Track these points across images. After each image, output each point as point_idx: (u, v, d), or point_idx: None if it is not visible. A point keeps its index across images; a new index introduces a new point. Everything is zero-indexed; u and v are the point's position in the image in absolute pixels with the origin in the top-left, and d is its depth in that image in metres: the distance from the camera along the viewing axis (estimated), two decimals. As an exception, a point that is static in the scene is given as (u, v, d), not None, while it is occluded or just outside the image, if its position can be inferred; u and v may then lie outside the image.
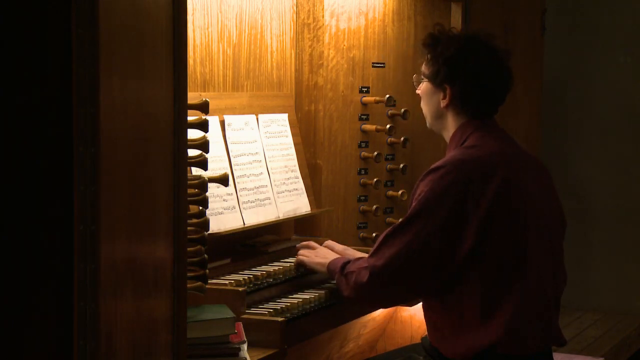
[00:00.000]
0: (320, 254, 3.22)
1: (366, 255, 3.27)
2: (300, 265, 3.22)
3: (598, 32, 5.61)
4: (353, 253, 3.29)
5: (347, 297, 3.01)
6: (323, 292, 3.13)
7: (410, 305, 3.44)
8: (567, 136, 5.69)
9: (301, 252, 3.26)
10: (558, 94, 5.63)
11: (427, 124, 3.16)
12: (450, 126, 3.06)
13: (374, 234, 3.87)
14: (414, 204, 2.89)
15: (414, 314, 3.61)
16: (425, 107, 3.13)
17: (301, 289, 3.17)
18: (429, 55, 3.06)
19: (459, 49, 3.00)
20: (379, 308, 3.36)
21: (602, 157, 5.62)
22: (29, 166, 1.92)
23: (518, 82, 4.42)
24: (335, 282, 3.07)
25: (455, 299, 2.87)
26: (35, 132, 1.92)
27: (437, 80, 3.03)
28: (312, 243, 3.34)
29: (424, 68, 3.09)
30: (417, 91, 3.15)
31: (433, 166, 2.91)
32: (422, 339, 3.08)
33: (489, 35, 3.06)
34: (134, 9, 2.02)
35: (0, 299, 1.94)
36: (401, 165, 3.96)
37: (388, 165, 3.97)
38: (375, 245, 2.94)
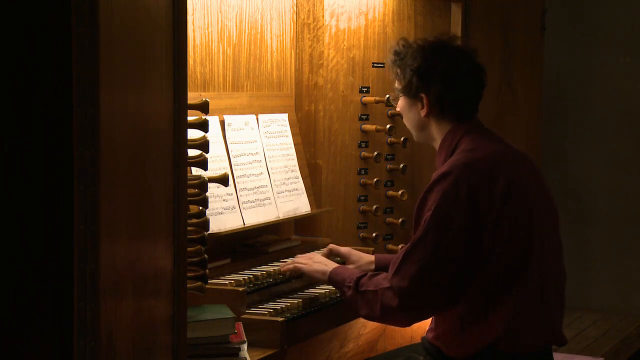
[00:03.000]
0: (318, 260, 3.14)
1: (371, 257, 3.25)
2: (293, 272, 3.13)
3: (598, 32, 5.61)
4: (358, 255, 3.27)
5: (365, 316, 2.95)
6: (323, 292, 3.13)
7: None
8: (567, 136, 5.69)
9: (297, 259, 3.18)
10: (558, 94, 5.63)
11: (414, 138, 3.16)
12: (436, 134, 3.05)
13: (374, 234, 3.86)
14: (427, 215, 2.84)
15: (414, 314, 3.59)
16: (407, 122, 3.13)
17: (301, 289, 3.17)
18: (398, 70, 3.07)
19: (425, 57, 3.01)
20: (404, 326, 3.19)
21: (602, 157, 5.62)
22: (29, 166, 1.92)
23: (518, 82, 4.45)
24: (346, 297, 2.97)
25: (455, 299, 2.87)
26: (35, 132, 1.92)
27: (411, 92, 3.04)
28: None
29: (396, 84, 3.10)
30: (397, 109, 3.15)
31: (438, 174, 2.87)
32: (422, 338, 3.08)
33: (452, 38, 3.13)
34: (134, 9, 2.02)
35: (0, 299, 1.94)
36: (401, 165, 3.95)
37: (388, 165, 3.96)
38: (395, 263, 2.86)
